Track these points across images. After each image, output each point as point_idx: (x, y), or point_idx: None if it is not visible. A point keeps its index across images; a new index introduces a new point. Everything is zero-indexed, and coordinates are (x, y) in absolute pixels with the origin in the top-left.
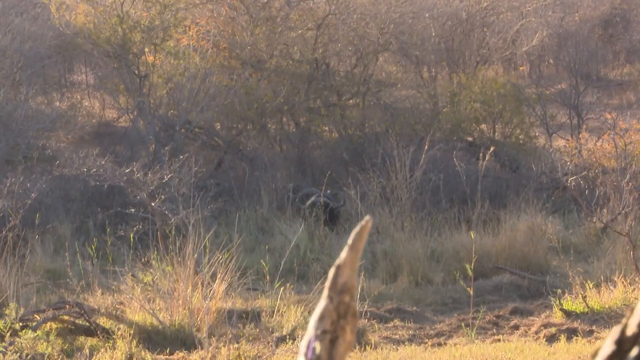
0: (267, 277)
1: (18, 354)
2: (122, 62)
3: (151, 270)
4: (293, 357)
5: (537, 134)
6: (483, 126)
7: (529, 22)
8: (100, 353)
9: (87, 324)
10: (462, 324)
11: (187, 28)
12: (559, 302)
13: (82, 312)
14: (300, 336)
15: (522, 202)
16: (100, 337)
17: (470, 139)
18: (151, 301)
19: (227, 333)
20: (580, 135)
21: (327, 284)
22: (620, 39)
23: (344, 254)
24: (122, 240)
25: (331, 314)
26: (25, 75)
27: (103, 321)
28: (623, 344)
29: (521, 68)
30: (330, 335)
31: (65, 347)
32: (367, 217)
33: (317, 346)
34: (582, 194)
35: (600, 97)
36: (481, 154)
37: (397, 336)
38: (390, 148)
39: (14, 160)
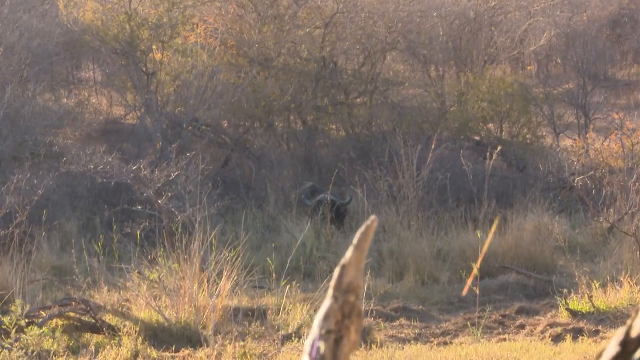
0: (273, 275)
1: (24, 350)
2: (129, 59)
3: (157, 267)
4: (299, 355)
5: (544, 134)
6: (490, 125)
7: (536, 21)
8: (105, 350)
9: (93, 320)
10: (468, 323)
11: (195, 25)
12: (565, 301)
13: (88, 308)
14: (306, 334)
15: (529, 202)
16: (106, 334)
17: (477, 138)
18: (157, 298)
19: (233, 331)
20: (587, 135)
21: (332, 283)
22: (628, 39)
23: (349, 253)
24: (128, 237)
25: (336, 314)
26: (32, 72)
27: (109, 318)
28: (627, 346)
29: (529, 67)
30: (334, 335)
31: (70, 344)
32: (372, 217)
33: (322, 346)
34: (588, 194)
35: (608, 97)
36: (488, 153)
37: (402, 335)
38: (398, 147)
39: (21, 157)
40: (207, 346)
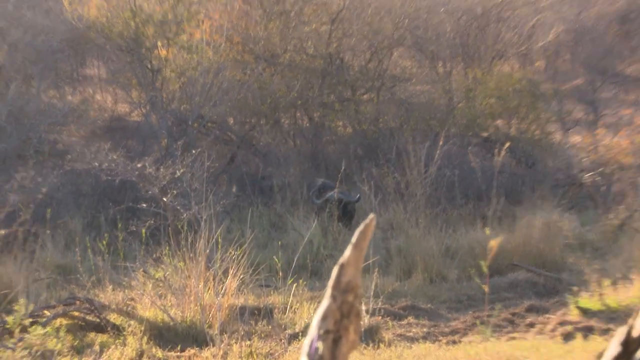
0: (280, 274)
1: (27, 350)
2: (134, 56)
3: (163, 266)
4: None
5: (553, 130)
6: (498, 122)
7: (544, 17)
8: (110, 349)
9: (98, 320)
10: (477, 322)
11: (201, 22)
12: (575, 299)
13: (93, 308)
14: None
15: (538, 199)
16: (111, 334)
17: (485, 134)
18: (162, 297)
19: (239, 330)
20: (596, 132)
21: (331, 282)
22: (637, 35)
23: (347, 252)
24: (133, 235)
25: (334, 314)
26: (37, 69)
27: (114, 317)
28: (629, 346)
29: (537, 63)
30: (333, 335)
31: (75, 344)
32: (371, 216)
33: (320, 346)
34: (598, 191)
35: (617, 93)
36: (496, 150)
37: (411, 333)
38: (405, 143)
39: (25, 155)
40: (213, 346)
